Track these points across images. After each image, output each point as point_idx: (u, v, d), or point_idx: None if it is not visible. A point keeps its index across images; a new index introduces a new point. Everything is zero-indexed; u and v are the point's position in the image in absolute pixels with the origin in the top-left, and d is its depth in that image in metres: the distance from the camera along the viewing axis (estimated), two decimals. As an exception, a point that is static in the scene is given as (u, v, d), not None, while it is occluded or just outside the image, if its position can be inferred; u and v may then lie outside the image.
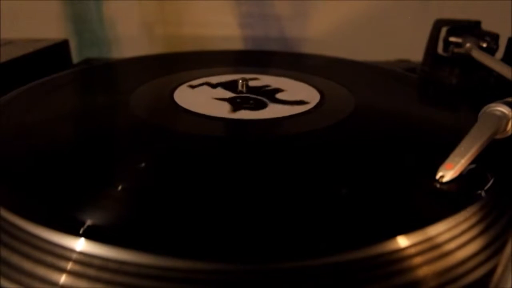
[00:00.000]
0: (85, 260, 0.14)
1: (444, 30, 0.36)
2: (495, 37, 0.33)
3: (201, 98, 0.28)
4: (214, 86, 0.30)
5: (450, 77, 0.35)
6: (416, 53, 0.39)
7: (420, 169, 0.19)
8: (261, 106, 0.26)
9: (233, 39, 0.53)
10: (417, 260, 0.15)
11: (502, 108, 0.20)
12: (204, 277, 0.14)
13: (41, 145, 0.22)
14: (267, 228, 0.15)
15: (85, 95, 0.31)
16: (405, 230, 0.15)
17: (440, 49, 0.36)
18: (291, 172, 0.19)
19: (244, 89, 0.29)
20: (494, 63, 0.30)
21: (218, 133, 0.24)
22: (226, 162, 0.20)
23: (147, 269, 0.14)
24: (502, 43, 0.33)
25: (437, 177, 0.18)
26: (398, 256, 0.14)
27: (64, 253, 0.14)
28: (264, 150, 0.21)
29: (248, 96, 0.28)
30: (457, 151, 0.18)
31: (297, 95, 0.28)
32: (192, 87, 0.30)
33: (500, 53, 0.33)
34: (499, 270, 0.13)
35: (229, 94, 0.28)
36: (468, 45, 0.33)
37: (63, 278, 0.14)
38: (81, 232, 0.15)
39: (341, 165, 0.20)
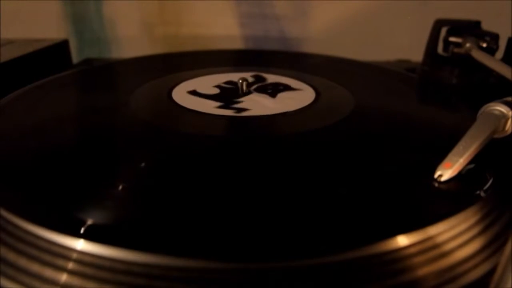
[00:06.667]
0: (85, 259, 0.14)
1: (444, 30, 0.36)
2: (495, 37, 0.33)
3: (200, 98, 0.28)
4: (213, 85, 0.30)
5: (450, 77, 0.35)
6: (416, 53, 0.39)
7: (419, 169, 0.19)
8: (259, 105, 0.26)
9: (233, 39, 0.53)
10: (417, 259, 0.15)
11: (501, 108, 0.20)
12: (204, 276, 0.14)
13: (41, 145, 0.22)
14: (267, 228, 0.15)
15: (85, 95, 0.31)
16: (405, 230, 0.15)
17: (440, 49, 0.36)
18: (291, 172, 0.19)
19: (244, 88, 0.29)
20: (494, 63, 0.30)
21: (218, 132, 0.24)
22: (226, 161, 0.20)
23: (147, 268, 0.14)
24: (502, 43, 0.33)
25: (436, 176, 0.18)
26: (398, 256, 0.14)
27: (64, 253, 0.14)
28: (263, 150, 0.21)
29: (246, 94, 0.28)
30: (456, 150, 0.18)
31: (297, 94, 0.28)
32: (191, 86, 0.30)
33: (500, 53, 0.33)
34: (499, 270, 0.13)
35: (228, 94, 0.28)
36: (468, 45, 0.33)
37: (64, 278, 0.14)
38: (81, 232, 0.15)
39: (341, 165, 0.20)
